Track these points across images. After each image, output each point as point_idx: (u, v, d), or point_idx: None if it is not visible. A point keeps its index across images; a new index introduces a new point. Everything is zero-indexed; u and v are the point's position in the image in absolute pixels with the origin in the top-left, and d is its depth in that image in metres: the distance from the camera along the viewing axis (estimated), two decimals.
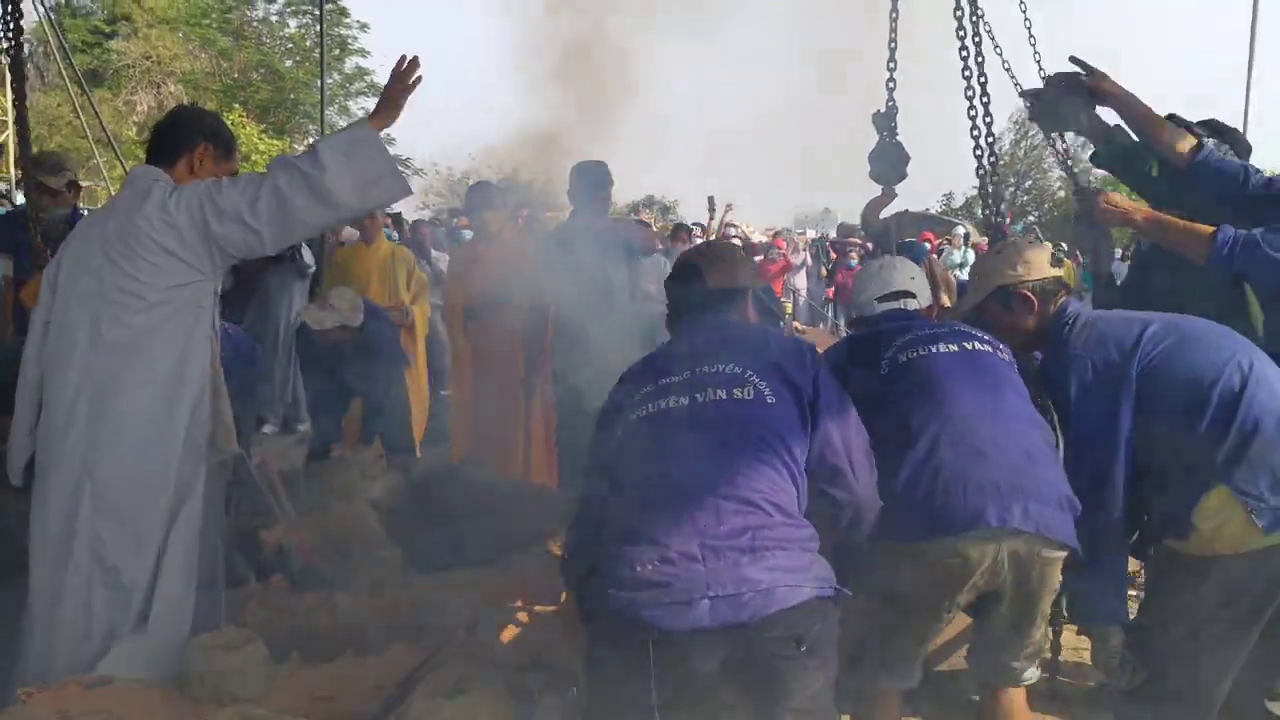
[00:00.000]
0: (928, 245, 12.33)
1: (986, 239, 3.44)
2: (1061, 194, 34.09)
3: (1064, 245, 17.77)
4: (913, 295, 2.74)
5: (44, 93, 22.20)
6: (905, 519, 2.22)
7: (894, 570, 2.30)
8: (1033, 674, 2.45)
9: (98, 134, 13.05)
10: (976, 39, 3.21)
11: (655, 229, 7.91)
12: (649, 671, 1.78)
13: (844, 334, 11.72)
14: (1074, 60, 3.20)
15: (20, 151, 3.76)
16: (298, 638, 2.67)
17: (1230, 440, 2.27)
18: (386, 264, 6.00)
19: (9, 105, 14.08)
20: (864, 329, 2.74)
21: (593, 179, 4.45)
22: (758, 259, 12.35)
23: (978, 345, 2.48)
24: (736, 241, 12.74)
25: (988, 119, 3.22)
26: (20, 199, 8.96)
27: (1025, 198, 39.58)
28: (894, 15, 3.64)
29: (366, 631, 2.76)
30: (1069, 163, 3.77)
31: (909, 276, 2.79)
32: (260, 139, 23.83)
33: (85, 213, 4.80)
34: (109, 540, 2.45)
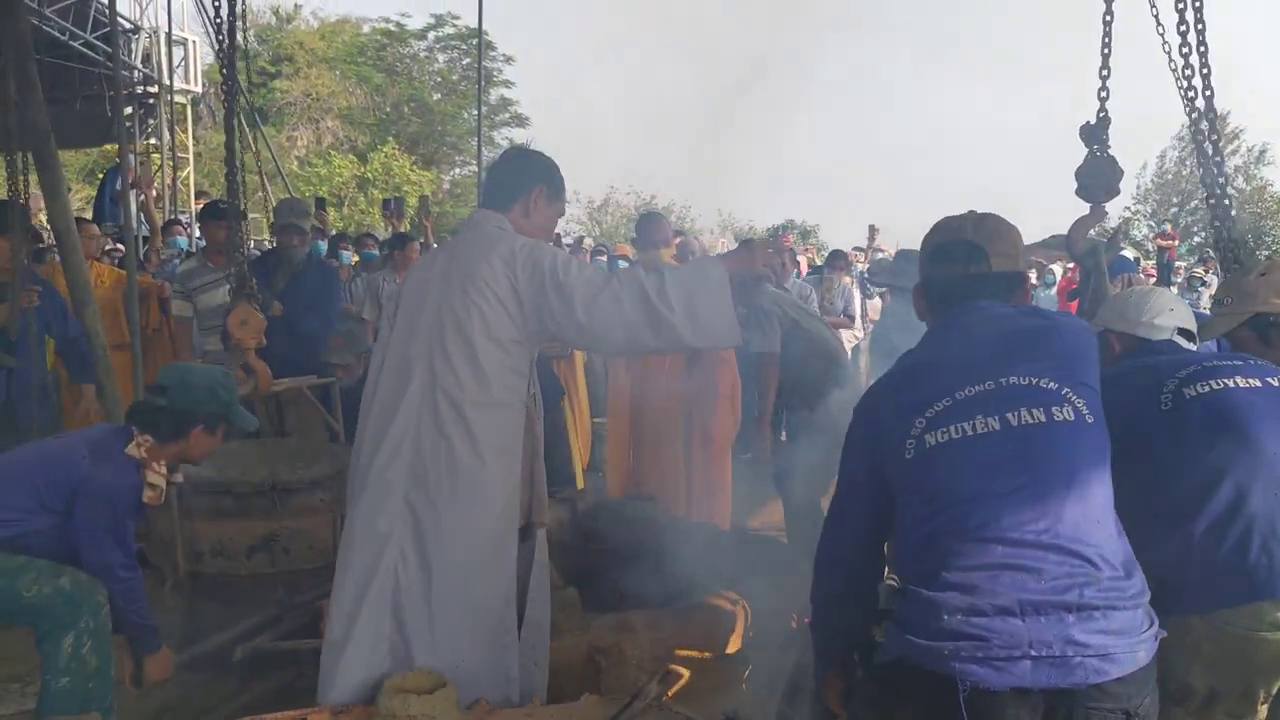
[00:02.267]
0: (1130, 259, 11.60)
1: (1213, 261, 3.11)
2: (1234, 214, 31.83)
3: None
4: (1194, 339, 2.46)
5: (217, 131, 23.79)
6: (1204, 583, 1.91)
7: (1187, 654, 1.95)
8: None
9: (268, 167, 13.83)
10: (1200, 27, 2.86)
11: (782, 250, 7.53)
12: None
13: None
14: None
15: (228, 188, 3.99)
16: None
17: None
18: None
19: (190, 143, 15.22)
20: (1138, 354, 2.40)
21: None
22: None
23: None
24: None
25: (1213, 135, 2.87)
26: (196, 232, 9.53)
27: (1190, 218, 37.21)
28: (1107, 18, 3.33)
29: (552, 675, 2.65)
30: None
31: (1191, 317, 2.49)
32: (412, 170, 24.83)
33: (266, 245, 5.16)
34: (410, 594, 2.40)
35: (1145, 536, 2.02)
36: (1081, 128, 3.44)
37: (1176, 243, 21.13)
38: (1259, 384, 2.11)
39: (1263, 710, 1.96)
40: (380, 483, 2.42)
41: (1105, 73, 3.36)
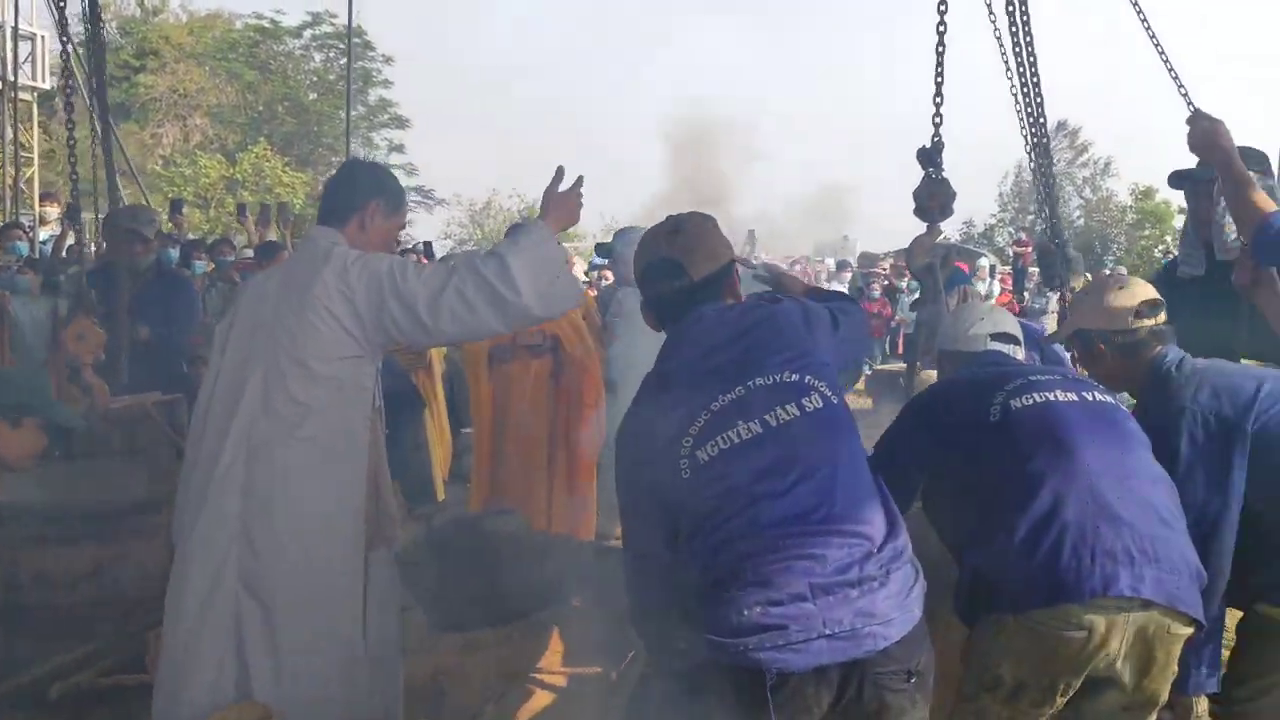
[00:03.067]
0: (965, 271, 12.12)
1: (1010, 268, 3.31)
2: (1081, 222, 33.86)
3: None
4: (1019, 343, 2.58)
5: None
6: (1020, 585, 2.01)
7: (1000, 647, 2.07)
8: None
9: (121, 166, 13.14)
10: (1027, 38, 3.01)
11: None
12: (769, 716, 1.67)
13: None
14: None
15: (71, 191, 3.81)
16: None
17: None
18: None
19: (34, 143, 14.34)
20: (964, 369, 2.53)
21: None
22: None
23: (1098, 395, 2.29)
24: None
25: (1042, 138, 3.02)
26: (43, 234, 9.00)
27: (1043, 226, 39.34)
28: (940, 49, 3.50)
29: None
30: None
31: (1016, 324, 2.63)
32: (284, 171, 24.03)
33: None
34: (249, 621, 2.31)
35: (972, 536, 2.17)
36: (918, 151, 3.61)
37: (1031, 249, 22.26)
38: (1075, 398, 2.24)
39: (1061, 701, 2.10)
40: (215, 508, 2.33)
41: (939, 100, 3.54)
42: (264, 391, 2.35)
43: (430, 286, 2.35)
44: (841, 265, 14.56)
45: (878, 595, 1.71)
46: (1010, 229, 34.47)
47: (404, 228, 2.75)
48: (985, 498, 2.12)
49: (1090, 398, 2.26)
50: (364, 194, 2.58)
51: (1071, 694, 2.08)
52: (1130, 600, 1.95)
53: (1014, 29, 3.63)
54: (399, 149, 30.47)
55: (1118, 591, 1.93)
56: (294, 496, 2.32)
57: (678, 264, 2.01)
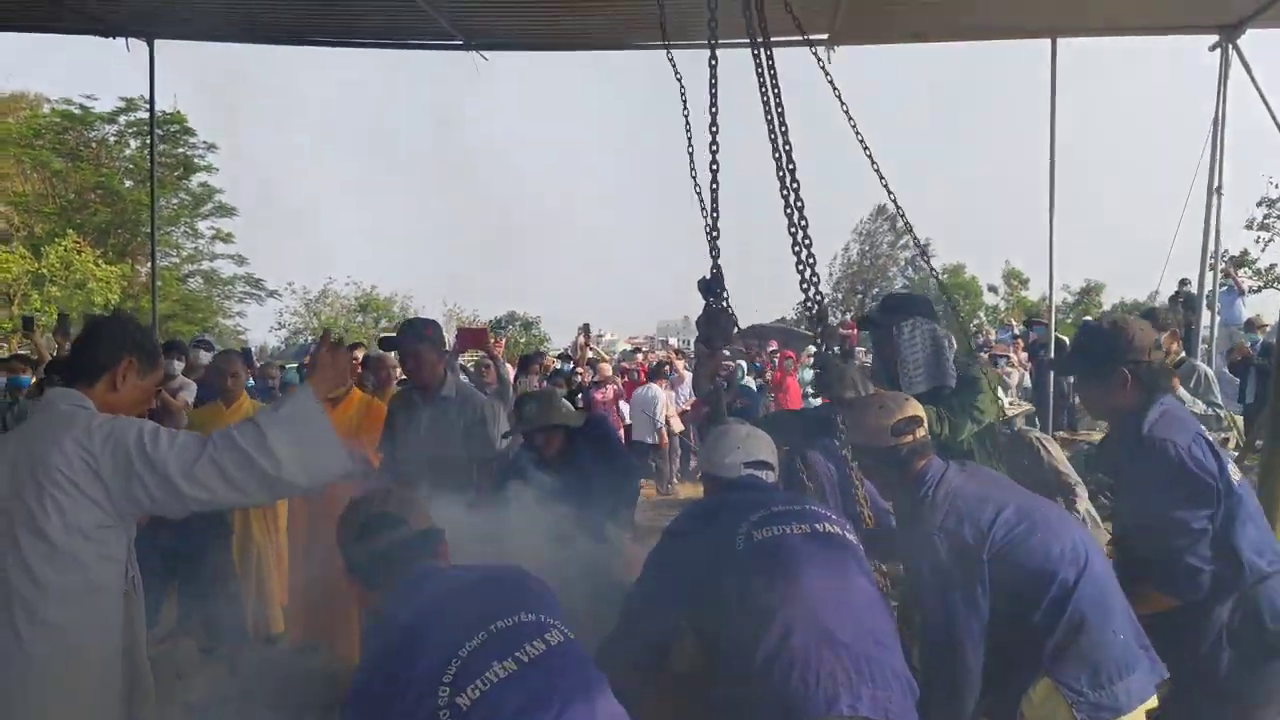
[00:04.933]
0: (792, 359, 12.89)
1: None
2: None
3: None
4: (772, 468, 2.78)
5: None
6: (761, 708, 2.18)
7: None
8: None
9: None
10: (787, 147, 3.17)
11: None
12: None
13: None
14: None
15: None
16: None
17: (1058, 633, 2.34)
18: None
19: None
20: (720, 494, 2.73)
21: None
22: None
23: (827, 526, 2.49)
24: (605, 366, 12.80)
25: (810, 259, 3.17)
26: None
27: (873, 304, 41.75)
28: (714, 186, 3.73)
29: None
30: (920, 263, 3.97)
31: (771, 449, 2.82)
32: (96, 264, 22.74)
33: None
34: None
35: (721, 662, 2.34)
36: (699, 282, 3.82)
37: (855, 331, 23.60)
38: (808, 529, 2.46)
39: None
40: None
41: (715, 234, 3.76)
42: (2, 570, 2.23)
43: (184, 457, 2.31)
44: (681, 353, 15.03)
45: None
46: (841, 309, 36.42)
47: (162, 383, 2.68)
48: (731, 626, 2.29)
49: (822, 528, 2.48)
50: (118, 350, 2.50)
51: None
52: (850, 718, 2.14)
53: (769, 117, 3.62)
54: (226, 238, 29.41)
55: (838, 711, 2.12)
56: (37, 678, 2.22)
57: (400, 519, 2.12)
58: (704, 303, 3.80)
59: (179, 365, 8.14)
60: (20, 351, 9.54)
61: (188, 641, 3.85)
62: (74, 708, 2.26)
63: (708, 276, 3.79)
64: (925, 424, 2.75)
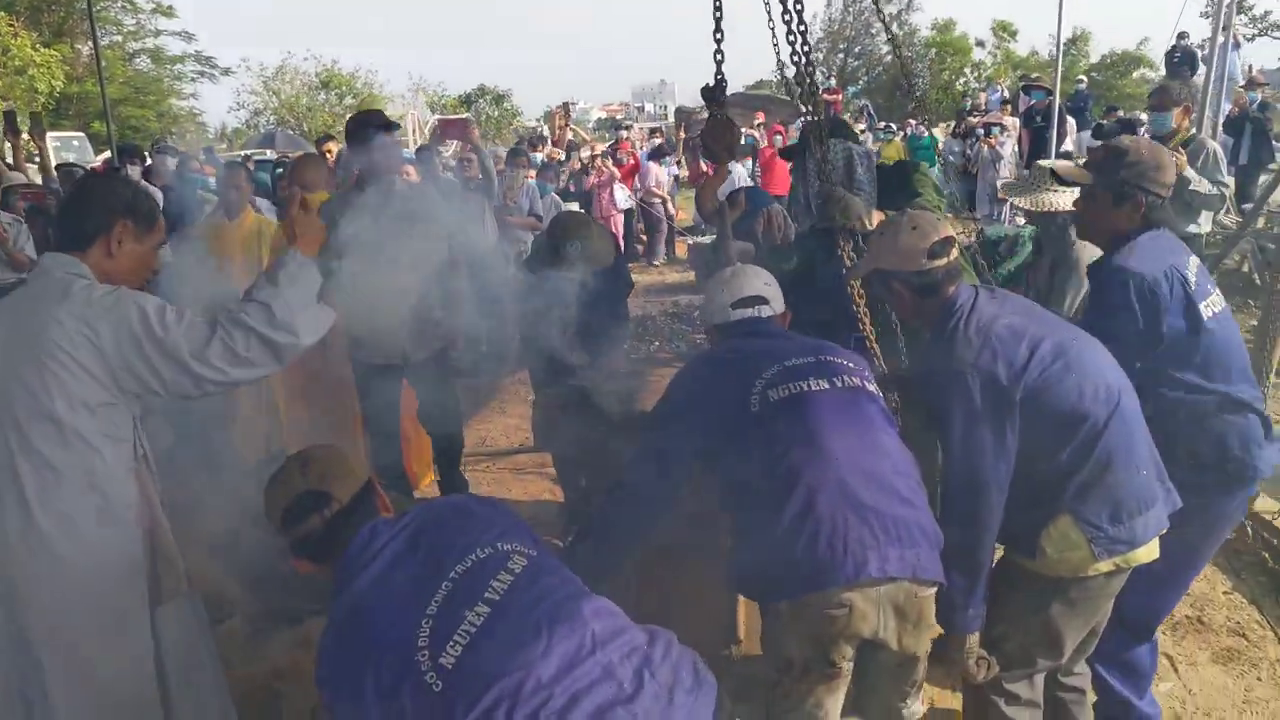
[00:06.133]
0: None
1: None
2: (889, 58, 34.78)
3: (894, 126, 18.01)
4: (766, 301, 2.64)
5: None
6: (787, 573, 2.18)
7: (782, 632, 2.27)
8: (917, 709, 2.48)
9: None
10: None
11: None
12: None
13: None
14: None
15: None
16: None
17: (1084, 472, 2.32)
18: (251, 239, 5.21)
19: None
20: (724, 346, 2.61)
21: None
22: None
23: (848, 380, 2.41)
24: (585, 152, 12.37)
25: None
26: None
27: (856, 63, 40.16)
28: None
29: None
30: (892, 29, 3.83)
31: (762, 282, 2.68)
32: (35, 49, 21.23)
33: None
34: (16, 690, 2.21)
35: (743, 528, 2.32)
36: (702, 89, 3.56)
37: (840, 96, 22.77)
38: (827, 385, 2.36)
39: (846, 668, 2.32)
40: None
41: (719, 35, 3.46)
42: (8, 448, 2.15)
43: (193, 338, 2.24)
44: (653, 131, 14.50)
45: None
46: (823, 69, 34.98)
47: (163, 245, 2.50)
48: (751, 491, 2.25)
49: (840, 383, 2.39)
50: (110, 213, 2.32)
51: (851, 662, 2.31)
52: (880, 579, 2.17)
53: None
54: (167, 12, 27.36)
55: (867, 575, 2.14)
56: (52, 557, 2.18)
57: (325, 494, 1.93)
58: (708, 113, 3.57)
59: (135, 170, 7.71)
60: None
61: None
62: (100, 603, 2.24)
63: (710, 83, 3.54)
64: (957, 246, 2.60)
